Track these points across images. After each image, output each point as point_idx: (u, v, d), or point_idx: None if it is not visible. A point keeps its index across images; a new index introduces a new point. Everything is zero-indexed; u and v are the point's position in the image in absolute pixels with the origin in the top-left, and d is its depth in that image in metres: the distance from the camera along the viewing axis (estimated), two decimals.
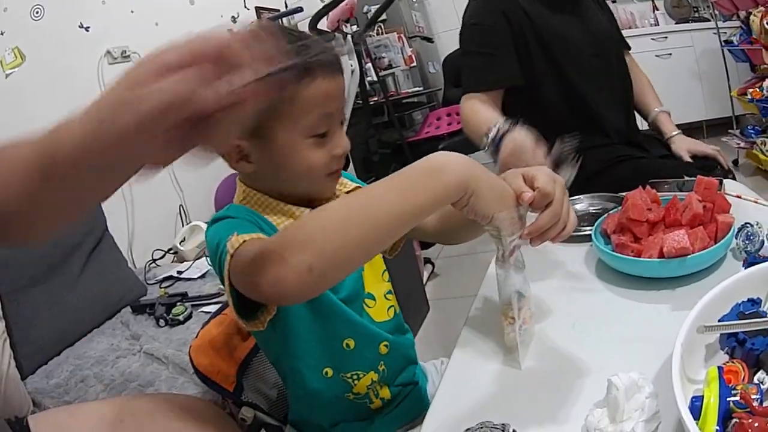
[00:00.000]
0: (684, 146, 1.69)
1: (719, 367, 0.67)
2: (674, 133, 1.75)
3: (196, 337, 1.21)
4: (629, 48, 1.95)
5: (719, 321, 0.75)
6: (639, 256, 1.03)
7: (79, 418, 1.19)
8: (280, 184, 0.98)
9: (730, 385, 0.64)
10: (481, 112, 1.58)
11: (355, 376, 1.03)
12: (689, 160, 1.64)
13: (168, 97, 0.48)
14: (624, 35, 1.96)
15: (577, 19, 1.72)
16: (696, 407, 0.62)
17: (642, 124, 1.89)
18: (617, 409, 0.68)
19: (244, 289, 0.76)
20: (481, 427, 0.75)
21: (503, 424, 0.74)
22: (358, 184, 1.11)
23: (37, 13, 2.76)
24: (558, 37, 1.66)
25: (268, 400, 1.20)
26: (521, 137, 1.09)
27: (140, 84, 0.50)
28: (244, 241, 0.76)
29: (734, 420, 0.59)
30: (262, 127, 0.90)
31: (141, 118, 0.49)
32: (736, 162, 3.86)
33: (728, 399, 0.61)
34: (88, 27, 3.02)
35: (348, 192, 1.07)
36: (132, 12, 3.27)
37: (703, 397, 0.63)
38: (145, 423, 1.19)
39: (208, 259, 2.46)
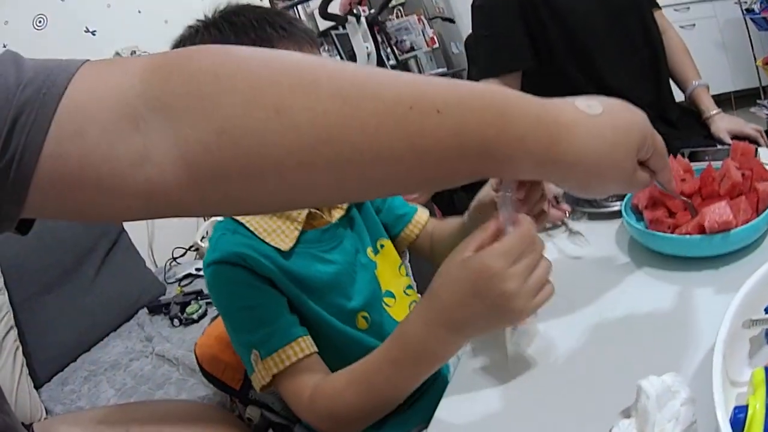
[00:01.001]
0: (723, 127, 1.57)
1: (767, 368, 0.55)
2: (713, 112, 1.63)
3: (203, 334, 1.20)
4: (658, 6, 1.79)
5: (766, 310, 0.63)
6: (675, 233, 0.90)
7: (83, 425, 1.20)
8: None
9: None
10: None
11: None
12: (730, 142, 1.51)
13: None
14: None
15: None
16: (739, 420, 0.50)
17: (678, 94, 1.76)
18: (647, 420, 0.56)
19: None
20: None
21: None
22: None
23: (39, 22, 2.73)
24: (573, 11, 1.57)
25: (281, 400, 1.13)
26: None
27: None
28: (274, 376, 0.84)
29: None
30: None
31: None
32: (767, 132, 3.66)
33: None
34: (95, 31, 2.98)
35: None
36: (139, 12, 3.22)
37: (747, 406, 0.51)
38: (150, 430, 1.19)
39: None
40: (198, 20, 0.91)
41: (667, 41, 1.75)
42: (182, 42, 0.89)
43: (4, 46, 2.55)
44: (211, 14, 0.91)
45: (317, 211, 0.95)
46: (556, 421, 0.68)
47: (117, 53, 3.04)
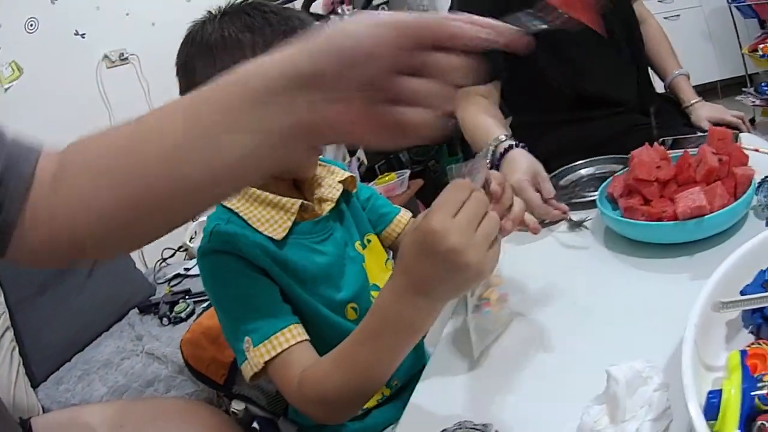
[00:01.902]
0: (704, 115, 1.53)
1: (742, 352, 0.55)
2: (693, 101, 1.59)
3: (188, 330, 1.20)
4: None
5: (741, 292, 0.63)
6: (651, 220, 0.90)
7: (81, 421, 1.20)
8: None
9: (755, 375, 0.51)
10: (478, 116, 1.43)
11: None
12: (730, 118, 1.49)
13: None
14: None
15: None
16: (713, 405, 0.49)
17: (657, 84, 1.73)
18: (617, 406, 0.56)
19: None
20: (459, 428, 0.65)
21: (484, 425, 0.64)
22: (350, 174, 1.06)
23: (31, 26, 2.76)
24: (548, 6, 1.51)
25: (266, 395, 1.14)
26: (516, 179, 1.10)
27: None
28: (266, 363, 0.84)
29: (759, 423, 0.47)
30: None
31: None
32: (753, 120, 3.69)
33: (753, 393, 0.49)
34: (84, 33, 2.98)
35: (340, 181, 1.02)
36: (127, 14, 3.20)
37: (721, 390, 0.50)
38: (146, 428, 1.19)
39: None
40: (219, 7, 0.91)
41: (646, 30, 1.71)
42: (204, 23, 0.89)
43: None
44: (230, 3, 0.92)
45: (309, 203, 0.96)
46: (528, 405, 0.69)
47: (105, 56, 3.06)
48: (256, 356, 0.84)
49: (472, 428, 0.64)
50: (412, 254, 0.66)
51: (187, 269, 2.60)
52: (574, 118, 1.09)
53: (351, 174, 1.05)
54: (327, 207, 0.99)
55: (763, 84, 3.62)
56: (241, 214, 0.92)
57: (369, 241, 1.06)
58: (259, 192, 0.93)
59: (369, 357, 0.75)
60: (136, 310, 2.36)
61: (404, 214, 1.16)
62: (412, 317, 0.70)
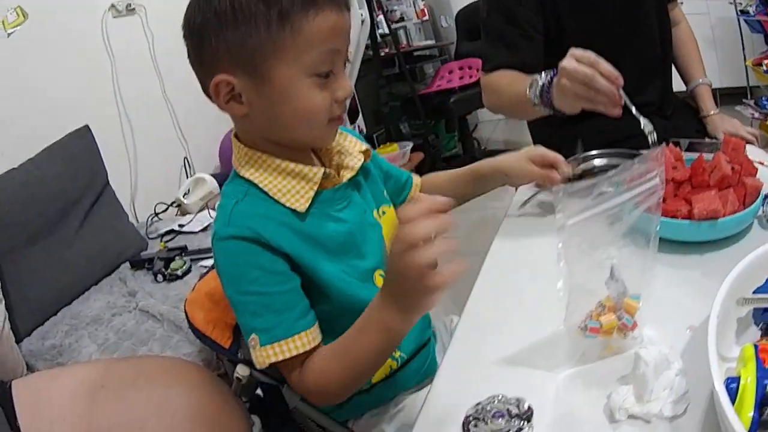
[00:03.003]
0: (721, 127, 1.57)
1: (755, 345, 0.60)
2: (712, 112, 1.62)
3: (192, 290, 1.17)
4: None
5: (754, 293, 0.68)
6: (665, 217, 0.94)
7: (60, 383, 1.14)
8: (275, 130, 0.89)
9: (767, 366, 0.57)
10: (512, 76, 1.42)
11: None
12: (743, 132, 1.53)
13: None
14: None
15: None
16: (732, 390, 0.55)
17: (677, 83, 1.74)
18: (645, 387, 0.61)
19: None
20: (492, 401, 0.69)
21: (517, 399, 0.68)
22: (368, 146, 1.05)
23: None
24: (591, 4, 1.49)
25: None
26: (573, 65, 1.04)
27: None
28: (270, 365, 0.85)
29: None
30: (258, 63, 0.82)
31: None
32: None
33: (765, 382, 0.54)
34: None
35: (362, 152, 1.03)
36: None
37: (738, 378, 0.56)
38: (126, 387, 1.14)
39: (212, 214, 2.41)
40: None
41: (677, 32, 1.72)
42: None
43: None
44: None
45: (330, 170, 0.95)
46: (560, 387, 0.73)
47: (113, 5, 3.02)
48: (261, 355, 0.84)
49: (505, 402, 0.68)
50: (392, 268, 0.74)
51: (181, 225, 2.58)
52: (593, 113, 1.11)
53: (368, 147, 1.05)
54: (347, 174, 0.98)
55: (763, 98, 3.65)
56: (261, 186, 0.89)
57: (384, 212, 1.06)
58: (279, 161, 0.90)
59: (359, 350, 0.82)
60: (127, 264, 2.32)
61: (416, 178, 1.21)
62: (390, 323, 0.78)
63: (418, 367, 1.07)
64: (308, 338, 0.85)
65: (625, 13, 1.53)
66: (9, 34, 2.55)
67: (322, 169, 0.92)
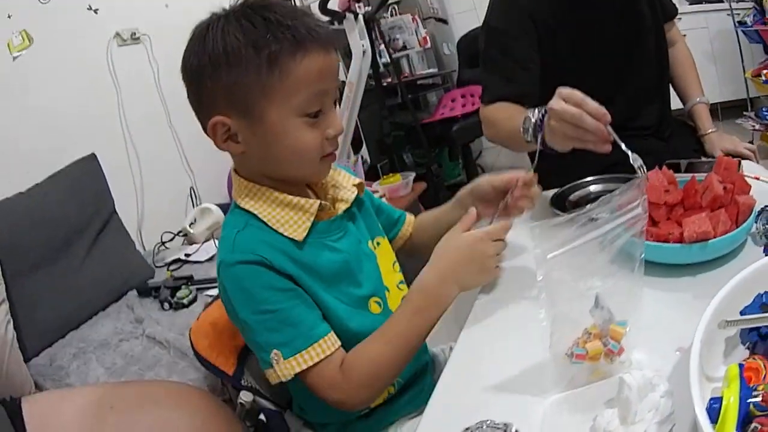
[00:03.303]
0: (718, 145, 1.58)
1: (740, 365, 0.61)
2: (709, 131, 1.64)
3: (197, 318, 1.19)
4: (673, 14, 1.77)
5: (741, 313, 0.69)
6: (658, 241, 0.96)
7: (69, 402, 1.20)
8: (270, 167, 0.94)
9: (750, 385, 0.58)
10: (509, 110, 1.45)
11: None
12: (741, 149, 1.54)
13: None
14: None
15: (612, 2, 1.55)
16: (714, 410, 0.56)
17: (675, 102, 1.77)
18: (629, 410, 0.63)
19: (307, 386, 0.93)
20: (481, 426, 0.70)
21: (505, 424, 0.69)
22: (360, 180, 1.09)
23: None
24: (588, 32, 1.51)
25: (269, 386, 1.15)
26: (561, 106, 1.05)
27: None
28: (296, 374, 0.89)
29: (754, 425, 0.53)
30: (250, 105, 0.86)
31: None
32: (750, 143, 3.69)
33: (748, 401, 0.56)
34: (97, 9, 2.96)
35: (355, 185, 1.08)
36: None
37: (722, 398, 0.57)
38: (134, 410, 1.19)
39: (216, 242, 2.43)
40: (224, 8, 0.90)
41: (675, 53, 1.75)
42: (208, 27, 0.87)
43: (9, 17, 2.56)
44: (235, 4, 0.90)
45: (326, 203, 0.98)
46: (547, 412, 0.74)
47: (117, 33, 3.05)
48: (286, 368, 0.88)
49: (493, 427, 0.69)
50: (456, 250, 0.97)
51: (187, 255, 2.61)
52: None
53: (361, 180, 1.08)
54: (342, 206, 1.02)
55: (763, 108, 3.65)
56: (259, 216, 0.93)
57: (378, 243, 1.10)
58: (276, 194, 0.94)
59: (415, 329, 0.94)
60: (134, 291, 2.35)
61: (410, 216, 1.26)
62: (445, 296, 0.95)
63: (416, 392, 1.08)
64: (327, 344, 0.90)
65: (623, 42, 1.55)
66: (14, 58, 2.58)
67: (318, 201, 0.96)
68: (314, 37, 0.86)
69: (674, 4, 1.78)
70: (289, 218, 0.93)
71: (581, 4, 1.50)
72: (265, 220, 0.93)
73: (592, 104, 1.02)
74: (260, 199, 0.94)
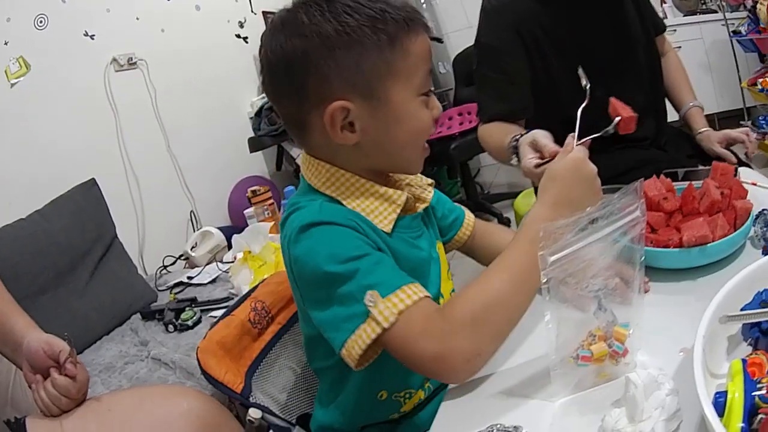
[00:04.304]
0: (713, 139, 1.60)
1: (743, 360, 0.63)
2: (702, 129, 1.65)
3: (204, 338, 1.17)
4: (663, 29, 1.79)
5: (741, 310, 0.71)
6: (658, 247, 0.98)
7: (71, 413, 1.19)
8: (380, 157, 0.91)
9: (754, 379, 0.59)
10: (501, 129, 1.48)
11: (407, 395, 0.99)
12: (722, 151, 1.56)
13: None
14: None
15: (600, 15, 1.57)
16: (720, 404, 0.57)
17: (671, 112, 1.78)
18: (636, 408, 0.64)
19: (400, 356, 0.79)
20: (491, 430, 0.71)
21: (515, 427, 0.71)
22: (432, 180, 1.08)
23: (41, 22, 2.75)
24: (578, 44, 1.53)
25: (277, 403, 1.17)
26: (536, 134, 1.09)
27: None
28: (400, 313, 0.76)
29: (760, 416, 0.55)
30: (374, 85, 0.84)
31: None
32: (746, 155, 3.71)
33: (753, 394, 0.57)
34: (93, 35, 3.00)
35: (429, 185, 1.06)
36: (137, 19, 3.24)
37: (726, 392, 0.58)
38: (132, 410, 1.19)
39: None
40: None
41: (666, 63, 1.77)
42: (296, 14, 0.84)
43: (6, 44, 2.60)
44: None
45: (411, 197, 0.96)
46: (556, 414, 0.75)
47: (114, 59, 3.09)
48: (387, 307, 0.76)
49: (503, 430, 0.70)
50: (567, 178, 0.87)
51: (190, 277, 2.62)
52: (591, 152, 1.14)
53: (432, 180, 1.07)
54: (421, 206, 1.00)
55: (760, 117, 3.70)
56: (343, 203, 0.90)
57: (439, 249, 1.08)
58: (363, 181, 0.91)
59: (532, 259, 0.74)
60: (138, 315, 2.36)
61: (470, 216, 1.21)
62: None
63: (435, 410, 1.07)
64: (421, 288, 0.81)
65: (614, 53, 1.58)
66: (12, 85, 2.60)
67: (405, 194, 0.93)
68: (420, 17, 0.88)
69: (662, 20, 1.82)
70: (374, 208, 0.90)
71: (567, 16, 1.53)
72: (350, 207, 0.89)
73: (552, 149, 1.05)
74: (344, 186, 0.91)
